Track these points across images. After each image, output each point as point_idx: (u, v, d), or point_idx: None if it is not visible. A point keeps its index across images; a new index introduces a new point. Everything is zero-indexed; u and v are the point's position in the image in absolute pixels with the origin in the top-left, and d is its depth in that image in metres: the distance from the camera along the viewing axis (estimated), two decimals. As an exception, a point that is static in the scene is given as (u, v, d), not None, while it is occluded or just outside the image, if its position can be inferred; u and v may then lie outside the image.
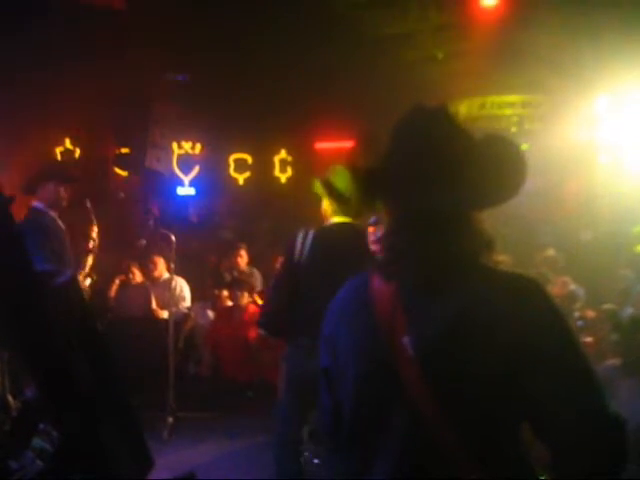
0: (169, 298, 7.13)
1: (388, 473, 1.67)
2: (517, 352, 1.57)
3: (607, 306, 5.95)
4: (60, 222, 5.71)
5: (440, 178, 1.63)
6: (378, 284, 1.75)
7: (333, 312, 1.91)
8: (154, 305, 8.05)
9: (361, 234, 4.19)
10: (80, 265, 6.00)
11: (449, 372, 1.61)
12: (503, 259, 7.89)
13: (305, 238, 4.33)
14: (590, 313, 6.18)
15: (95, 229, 6.26)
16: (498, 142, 1.69)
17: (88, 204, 6.20)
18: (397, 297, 1.68)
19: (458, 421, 1.59)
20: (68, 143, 12.08)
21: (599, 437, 1.55)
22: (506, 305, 1.61)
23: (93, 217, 6.28)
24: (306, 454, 5.82)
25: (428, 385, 1.60)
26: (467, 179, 1.62)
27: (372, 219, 3.72)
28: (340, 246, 4.15)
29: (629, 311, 5.95)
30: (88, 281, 6.15)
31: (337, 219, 4.31)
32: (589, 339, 5.74)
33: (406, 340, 1.63)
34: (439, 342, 1.61)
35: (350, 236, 4.19)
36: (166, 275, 8.13)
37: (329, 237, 4.27)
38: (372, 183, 1.75)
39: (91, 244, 6.20)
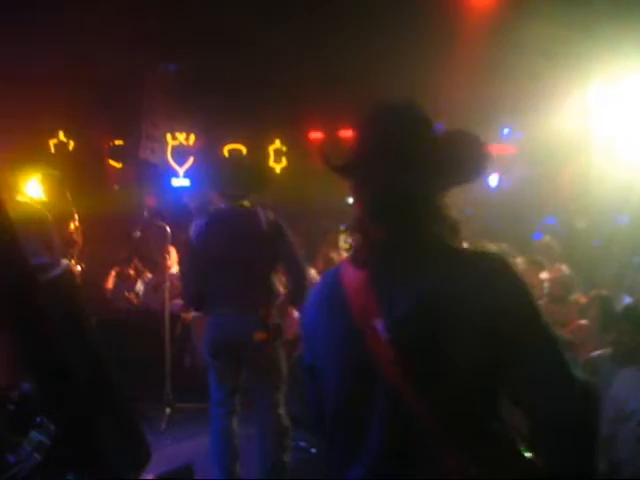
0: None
1: (372, 457, 1.71)
2: (487, 327, 1.61)
3: (596, 292, 5.97)
4: (47, 214, 5.71)
5: (405, 164, 1.72)
6: (350, 272, 1.79)
7: (310, 306, 1.96)
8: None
9: (251, 213, 4.70)
10: (67, 256, 6.00)
11: (422, 352, 1.64)
12: (502, 247, 7.91)
13: (200, 225, 4.81)
14: (582, 298, 6.20)
15: (76, 219, 6.27)
16: (460, 132, 1.81)
17: (68, 195, 6.21)
18: (369, 283, 1.72)
19: (435, 400, 1.62)
20: (62, 135, 12.04)
21: (573, 403, 1.60)
22: (474, 282, 1.65)
23: (73, 208, 6.28)
24: (302, 444, 5.84)
25: (403, 367, 1.64)
26: (430, 164, 1.72)
27: (342, 225, 4.00)
28: (231, 226, 4.70)
29: (622, 299, 5.96)
30: (78, 269, 6.15)
31: (228, 203, 4.79)
32: (583, 321, 5.78)
33: (379, 324, 1.66)
34: (410, 323, 1.65)
35: (240, 216, 4.74)
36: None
37: (220, 220, 4.78)
38: (345, 172, 1.84)
39: (74, 235, 6.20)
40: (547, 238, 8.41)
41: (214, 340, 4.79)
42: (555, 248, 8.09)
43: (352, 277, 1.78)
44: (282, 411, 4.81)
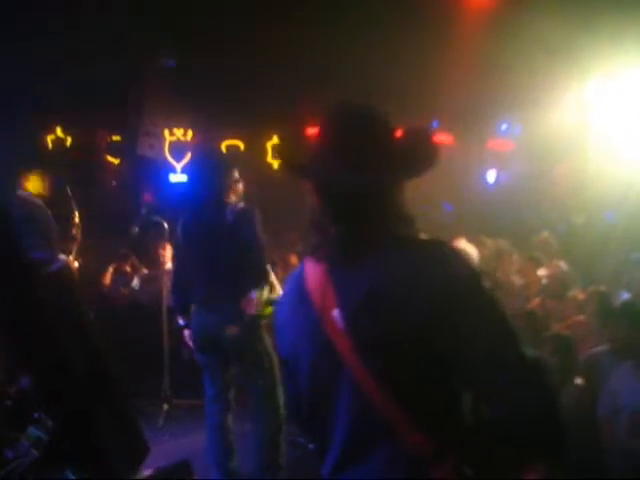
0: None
1: (340, 447, 1.80)
2: (432, 311, 1.66)
3: (594, 288, 5.98)
4: (47, 209, 5.72)
5: (361, 163, 1.79)
6: (310, 267, 1.89)
7: (281, 304, 2.06)
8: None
9: (219, 208, 4.76)
10: (67, 251, 6.01)
11: (375, 339, 1.71)
12: (499, 243, 7.92)
13: (180, 224, 5.03)
14: (580, 295, 6.20)
15: (77, 216, 6.27)
16: (412, 130, 1.92)
17: (68, 191, 6.21)
18: (327, 276, 1.82)
19: (393, 387, 1.69)
20: (59, 131, 12.03)
21: (523, 380, 1.64)
22: (422, 267, 1.72)
23: (74, 204, 6.28)
24: (300, 440, 5.84)
25: (360, 354, 1.71)
26: (384, 162, 1.81)
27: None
28: (200, 224, 4.84)
29: (620, 294, 5.96)
30: (76, 264, 6.17)
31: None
32: (581, 317, 5.78)
33: (336, 313, 1.75)
34: (362, 312, 1.72)
35: (208, 212, 4.81)
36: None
37: (193, 220, 4.93)
38: (303, 172, 1.95)
39: (74, 231, 6.21)
40: (545, 234, 8.37)
41: (197, 337, 4.87)
42: (553, 244, 8.08)
43: (313, 272, 1.87)
44: (274, 405, 4.71)
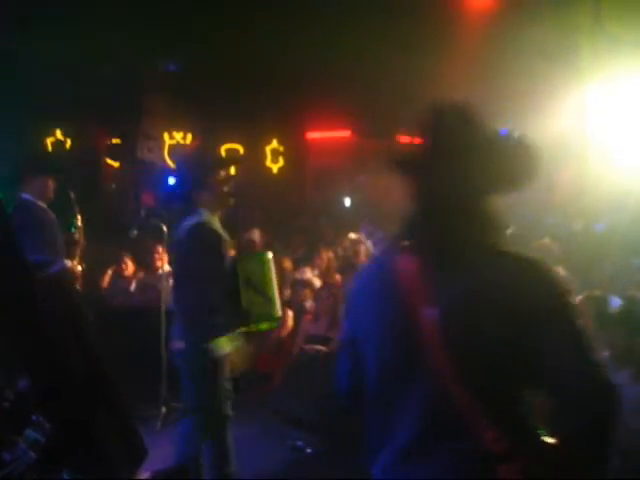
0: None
1: (408, 437, 1.86)
2: (523, 323, 1.76)
3: (588, 293, 5.97)
4: (50, 213, 5.72)
5: (460, 166, 1.87)
6: (402, 260, 1.94)
7: (358, 286, 2.13)
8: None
9: (192, 231, 4.33)
10: (70, 255, 6.01)
11: (465, 338, 1.79)
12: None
13: None
14: (577, 299, 6.17)
15: (79, 219, 6.27)
16: (514, 139, 1.96)
17: (72, 195, 6.20)
18: (420, 271, 1.88)
19: (474, 384, 1.77)
20: (59, 134, 12.03)
21: (596, 394, 1.75)
22: (522, 278, 1.82)
23: (77, 207, 6.28)
24: (299, 443, 5.84)
25: (447, 350, 1.79)
26: (484, 169, 1.88)
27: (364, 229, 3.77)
28: (178, 244, 4.50)
29: (615, 301, 5.94)
30: (79, 269, 6.17)
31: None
32: None
33: (428, 310, 1.82)
34: (457, 312, 1.81)
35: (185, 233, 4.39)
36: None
37: (176, 239, 4.59)
38: (404, 168, 1.99)
39: (77, 234, 6.21)
40: (547, 240, 8.34)
41: None
42: (554, 250, 8.04)
43: (403, 265, 1.92)
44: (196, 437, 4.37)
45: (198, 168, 4.59)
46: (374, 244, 8.67)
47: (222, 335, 4.25)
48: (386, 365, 1.94)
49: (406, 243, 1.97)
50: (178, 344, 4.34)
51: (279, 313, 4.42)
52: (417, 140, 1.99)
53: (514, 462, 1.74)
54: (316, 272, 8.64)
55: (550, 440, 1.84)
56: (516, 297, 1.79)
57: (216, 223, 4.37)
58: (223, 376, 4.31)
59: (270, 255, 4.49)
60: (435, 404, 1.82)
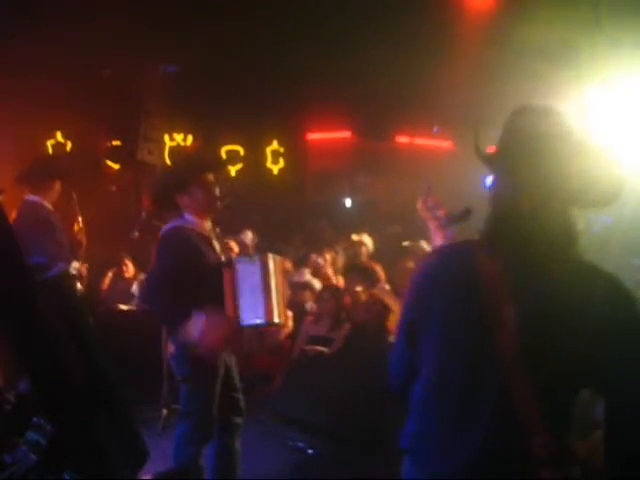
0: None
1: (484, 432, 1.88)
2: (596, 335, 1.80)
3: None
4: (57, 215, 5.76)
5: (550, 173, 1.90)
6: (483, 257, 1.97)
7: (429, 271, 2.14)
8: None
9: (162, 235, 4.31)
10: (75, 256, 6.04)
11: (540, 343, 1.82)
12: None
13: None
14: None
15: (81, 221, 6.29)
16: (600, 150, 2.02)
17: (74, 197, 6.22)
18: (502, 271, 1.91)
19: (539, 387, 1.82)
20: (59, 136, 12.03)
21: None
22: (597, 290, 1.85)
23: (78, 210, 6.30)
24: (300, 445, 5.84)
25: (522, 352, 1.83)
26: (576, 179, 1.90)
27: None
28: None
29: None
30: (84, 270, 6.20)
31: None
32: None
33: (510, 310, 1.86)
34: (537, 316, 1.84)
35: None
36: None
37: None
38: (489, 162, 2.05)
39: (80, 236, 6.23)
40: None
41: None
42: None
43: (485, 262, 1.95)
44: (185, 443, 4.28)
45: (181, 171, 4.57)
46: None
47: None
48: (452, 357, 1.97)
49: (487, 240, 2.01)
50: (171, 347, 4.33)
51: (277, 319, 4.28)
52: (501, 140, 2.02)
53: (556, 469, 1.80)
54: (309, 270, 8.62)
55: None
56: (591, 306, 1.82)
57: (200, 227, 4.30)
58: (214, 380, 4.23)
59: (269, 258, 4.34)
60: (499, 403, 1.86)
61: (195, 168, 4.40)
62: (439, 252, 2.23)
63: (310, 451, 5.80)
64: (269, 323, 4.29)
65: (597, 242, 8.70)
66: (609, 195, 1.99)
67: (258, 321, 4.25)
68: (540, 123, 1.95)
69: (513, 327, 1.85)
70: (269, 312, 4.24)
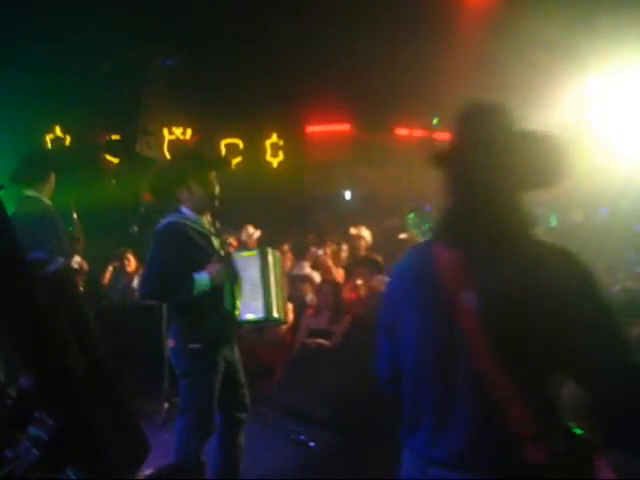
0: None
1: (460, 419, 1.98)
2: (556, 310, 1.87)
3: None
4: (55, 211, 5.75)
5: (497, 165, 1.99)
6: (441, 250, 2.06)
7: (398, 275, 2.27)
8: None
9: (159, 230, 4.32)
10: (74, 252, 6.03)
11: (502, 324, 1.90)
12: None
13: None
14: None
15: (76, 216, 6.29)
16: (545, 138, 2.02)
17: (71, 192, 6.24)
18: (459, 261, 2.00)
19: (510, 367, 1.89)
20: (58, 131, 12.02)
21: (630, 380, 1.86)
22: (554, 268, 1.93)
23: (73, 204, 6.31)
24: (301, 437, 5.85)
25: (487, 337, 1.91)
26: (518, 167, 1.98)
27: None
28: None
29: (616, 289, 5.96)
30: (85, 266, 6.19)
31: None
32: None
33: (468, 296, 1.94)
34: (496, 299, 1.92)
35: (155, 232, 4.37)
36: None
37: None
38: (440, 163, 2.11)
39: (77, 232, 6.23)
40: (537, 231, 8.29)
41: None
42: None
43: (443, 255, 2.05)
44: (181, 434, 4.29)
45: (181, 166, 4.54)
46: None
47: (210, 336, 4.18)
48: (426, 349, 2.06)
49: (445, 232, 2.10)
50: (171, 342, 4.32)
51: (275, 314, 4.28)
52: (453, 136, 2.10)
53: (540, 443, 1.86)
54: (309, 263, 8.61)
55: (579, 431, 1.96)
56: (550, 283, 1.89)
57: (197, 223, 4.28)
58: (214, 375, 4.22)
59: (268, 252, 4.34)
60: (474, 386, 1.94)
61: (196, 164, 4.39)
62: (406, 255, 2.29)
63: (312, 444, 5.81)
64: (267, 318, 4.28)
65: (597, 235, 8.72)
66: (553, 176, 2.02)
67: (256, 316, 4.26)
68: (487, 120, 2.05)
69: (475, 313, 1.92)
70: (268, 306, 4.24)
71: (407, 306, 2.14)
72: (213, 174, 4.33)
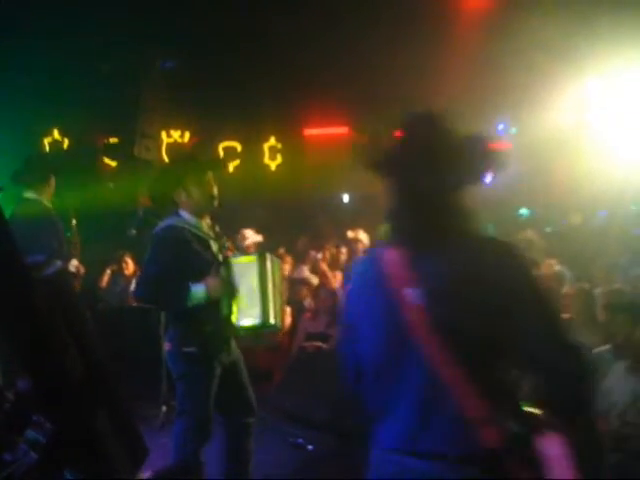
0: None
1: (407, 411, 2.10)
2: (497, 300, 2.01)
3: (579, 285, 5.99)
4: (55, 214, 5.76)
5: (431, 165, 2.13)
6: (388, 251, 2.20)
7: (354, 277, 2.40)
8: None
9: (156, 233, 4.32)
10: (72, 254, 6.04)
11: (450, 317, 2.03)
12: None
13: None
14: (569, 291, 6.17)
15: (74, 220, 6.29)
16: (472, 139, 2.16)
17: (69, 196, 6.24)
18: (403, 259, 2.14)
19: (458, 357, 2.00)
20: (56, 133, 12.02)
21: (570, 359, 2.01)
22: (492, 260, 2.07)
23: (72, 209, 6.31)
24: (300, 441, 5.84)
25: (432, 327, 2.03)
26: (449, 168, 2.12)
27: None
28: None
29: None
30: (82, 269, 6.19)
31: None
32: (566, 315, 5.80)
33: (411, 291, 2.07)
34: (439, 292, 2.05)
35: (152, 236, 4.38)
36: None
37: None
38: (380, 169, 2.24)
39: (74, 237, 6.24)
40: (529, 233, 8.26)
41: None
42: (537, 243, 7.98)
43: (389, 255, 2.18)
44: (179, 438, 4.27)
45: (179, 168, 4.51)
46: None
47: (207, 341, 4.15)
48: (380, 346, 2.18)
49: (392, 234, 2.23)
50: (167, 345, 4.31)
51: (272, 321, 4.25)
52: (394, 143, 2.24)
53: (494, 426, 1.99)
54: (308, 267, 8.60)
55: (534, 410, 2.11)
56: (490, 274, 2.03)
57: (196, 226, 4.25)
58: (211, 379, 4.18)
59: (266, 258, 4.30)
60: (427, 377, 2.05)
61: (193, 166, 4.38)
62: (363, 258, 2.50)
63: (310, 447, 5.81)
64: (264, 324, 4.25)
65: (594, 237, 8.72)
66: (483, 171, 2.17)
67: (253, 322, 4.24)
68: (426, 127, 2.19)
69: (421, 307, 2.05)
70: (265, 313, 4.21)
71: (364, 306, 2.26)
72: (210, 175, 4.30)
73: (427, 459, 2.05)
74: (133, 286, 8.49)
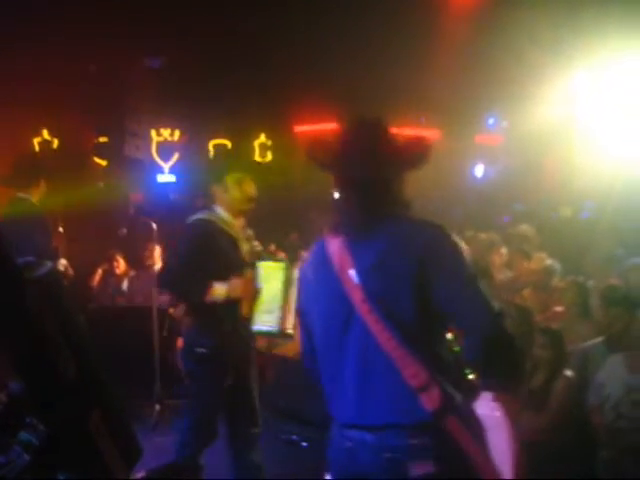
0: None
1: (351, 384, 2.28)
2: (426, 277, 2.20)
3: (572, 278, 6.01)
4: (45, 214, 5.74)
5: (369, 162, 2.39)
6: (331, 239, 2.43)
7: (306, 266, 2.61)
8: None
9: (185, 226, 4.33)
10: (61, 254, 6.01)
11: (381, 290, 2.24)
12: (492, 237, 7.92)
13: None
14: (560, 284, 6.20)
15: (60, 220, 6.28)
16: (407, 136, 2.53)
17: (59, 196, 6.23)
18: (344, 245, 2.36)
19: (394, 328, 2.19)
20: (46, 134, 11.97)
21: (494, 321, 2.20)
22: (419, 237, 2.26)
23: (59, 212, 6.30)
24: (294, 437, 5.85)
25: (369, 302, 2.23)
26: (386, 161, 2.40)
27: None
28: None
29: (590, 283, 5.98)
30: (69, 268, 6.16)
31: None
32: (559, 308, 5.82)
33: (351, 272, 2.29)
34: (372, 271, 2.26)
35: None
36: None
37: None
38: (328, 167, 2.55)
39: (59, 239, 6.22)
40: (524, 227, 8.26)
41: None
42: (532, 237, 8.00)
43: (333, 242, 2.41)
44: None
45: (221, 164, 4.56)
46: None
47: (223, 340, 4.14)
48: (328, 327, 2.37)
49: (333, 223, 2.46)
50: (180, 342, 4.31)
51: (290, 331, 4.18)
52: (338, 144, 2.48)
53: (433, 390, 2.15)
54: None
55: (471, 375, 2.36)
56: (416, 248, 2.23)
57: (228, 224, 4.26)
58: (221, 378, 4.19)
59: (294, 267, 4.18)
60: (368, 349, 2.24)
61: (235, 165, 4.44)
62: (313, 247, 2.61)
63: (304, 444, 5.81)
64: (281, 332, 4.20)
65: (585, 230, 8.73)
66: (418, 158, 2.42)
67: (270, 328, 4.21)
68: (363, 131, 2.45)
69: (359, 286, 2.26)
70: (284, 321, 4.16)
71: (313, 290, 2.48)
72: (250, 177, 4.45)
73: (379, 431, 2.22)
74: (125, 285, 8.52)
